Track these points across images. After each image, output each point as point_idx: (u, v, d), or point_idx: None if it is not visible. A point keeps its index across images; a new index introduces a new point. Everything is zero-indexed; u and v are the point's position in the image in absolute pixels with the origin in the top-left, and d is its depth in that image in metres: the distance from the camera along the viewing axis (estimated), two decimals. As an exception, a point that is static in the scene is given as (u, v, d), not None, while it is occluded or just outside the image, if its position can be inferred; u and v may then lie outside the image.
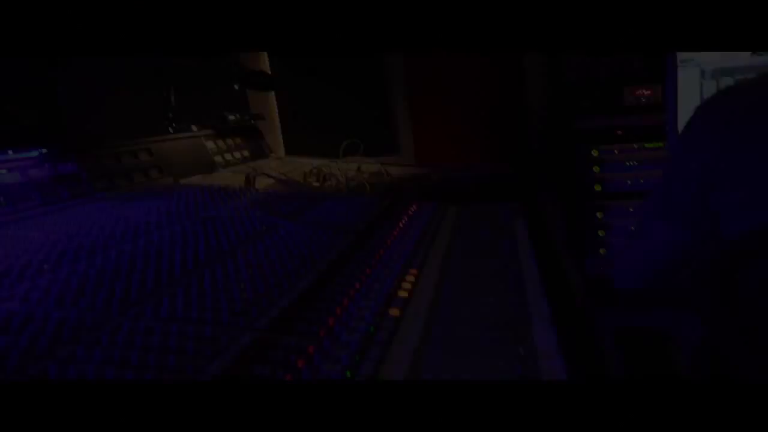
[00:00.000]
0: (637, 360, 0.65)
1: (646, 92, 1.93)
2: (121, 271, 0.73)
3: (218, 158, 1.88)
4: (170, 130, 1.86)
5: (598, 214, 2.01)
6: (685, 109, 1.54)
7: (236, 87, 2.17)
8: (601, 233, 2.02)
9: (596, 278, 2.03)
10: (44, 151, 1.14)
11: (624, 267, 0.77)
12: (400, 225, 1.08)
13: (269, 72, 2.47)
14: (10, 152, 1.06)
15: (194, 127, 1.88)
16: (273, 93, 2.56)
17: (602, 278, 2.02)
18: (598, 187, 1.99)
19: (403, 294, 0.71)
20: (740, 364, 0.57)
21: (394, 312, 0.64)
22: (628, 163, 1.97)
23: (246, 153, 2.09)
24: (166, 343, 0.53)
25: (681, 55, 1.56)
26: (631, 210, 1.98)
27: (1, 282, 0.68)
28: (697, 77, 1.44)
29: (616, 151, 1.97)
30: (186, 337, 0.55)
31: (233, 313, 0.61)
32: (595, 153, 1.99)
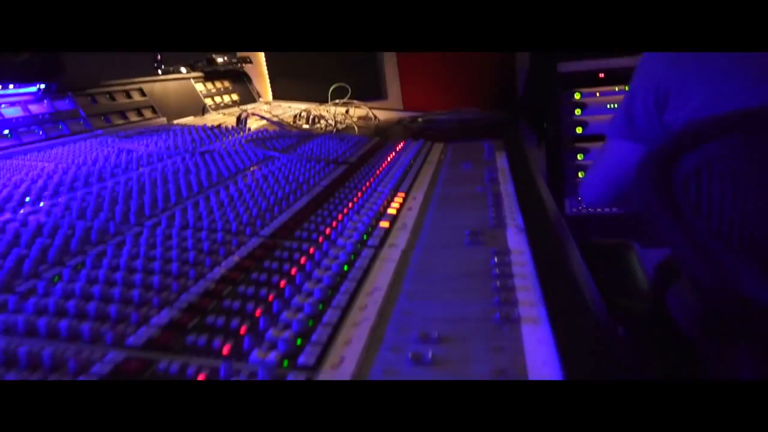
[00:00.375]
0: (600, 268, 0.73)
1: (629, 36, 1.97)
2: (131, 193, 0.79)
3: (209, 101, 1.90)
4: (159, 72, 1.87)
5: (579, 156, 2.09)
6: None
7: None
8: (581, 174, 2.10)
9: (575, 219, 2.13)
10: (42, 86, 1.17)
11: (589, 184, 0.84)
12: (389, 158, 1.15)
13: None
14: (11, 86, 1.09)
15: (183, 69, 1.90)
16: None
17: (581, 218, 2.11)
18: (579, 130, 2.06)
19: (392, 211, 0.78)
20: (688, 269, 0.66)
21: (384, 224, 0.72)
22: (609, 106, 2.04)
23: (235, 97, 2.11)
24: (183, 245, 0.60)
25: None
26: (611, 153, 2.06)
27: (23, 200, 0.74)
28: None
29: (597, 94, 2.03)
30: (200, 240, 0.62)
31: (240, 224, 0.68)
32: (577, 96, 2.05)
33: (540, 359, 0.39)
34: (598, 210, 2.05)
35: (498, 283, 0.51)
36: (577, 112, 2.05)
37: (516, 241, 0.63)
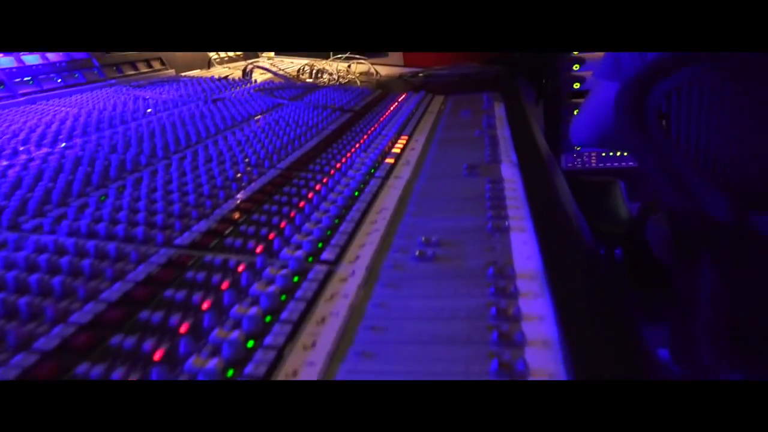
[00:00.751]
0: (586, 199, 0.80)
1: (628, -9, 1.99)
2: (154, 133, 0.85)
3: (213, 55, 1.94)
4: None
5: (576, 112, 2.13)
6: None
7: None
8: (577, 130, 2.15)
9: (570, 174, 2.19)
10: (58, 37, 1.21)
11: (578, 124, 0.91)
12: (392, 108, 1.20)
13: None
14: (30, 35, 1.13)
15: (189, 23, 1.92)
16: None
17: (576, 173, 2.18)
18: (577, 85, 2.10)
19: (396, 150, 0.84)
20: (659, 190, 0.72)
21: (390, 160, 0.78)
22: (606, 63, 2.07)
23: (238, 52, 2.14)
24: (210, 173, 0.67)
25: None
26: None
27: (56, 138, 0.80)
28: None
29: (595, 50, 2.06)
30: (225, 170, 0.69)
31: (258, 158, 0.75)
32: (575, 52, 2.07)
33: (524, 255, 0.46)
34: (593, 165, 2.11)
35: (491, 203, 0.58)
36: (576, 67, 2.08)
37: (509, 173, 0.70)
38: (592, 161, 2.08)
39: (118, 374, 0.32)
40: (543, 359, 0.32)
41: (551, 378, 0.31)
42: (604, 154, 2.07)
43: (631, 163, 2.00)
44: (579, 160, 2.10)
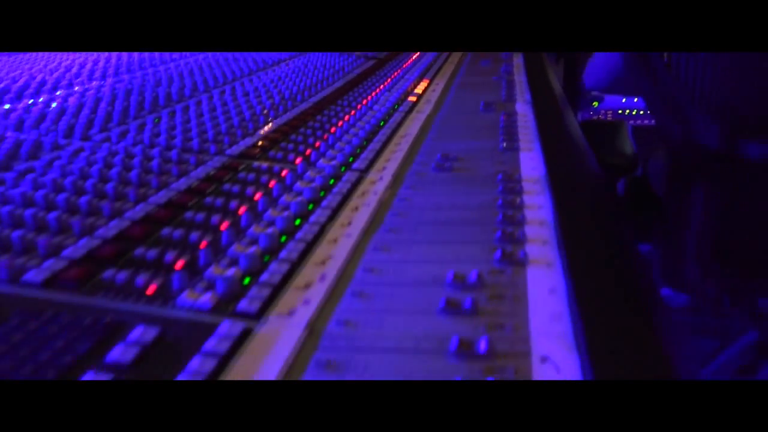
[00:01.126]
0: (593, 135, 0.84)
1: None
2: (193, 72, 0.92)
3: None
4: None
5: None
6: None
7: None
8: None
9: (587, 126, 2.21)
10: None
11: (591, 69, 0.95)
12: (414, 57, 1.25)
13: None
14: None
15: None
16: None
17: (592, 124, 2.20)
18: (596, 43, 2.11)
19: (418, 91, 0.90)
20: (660, 122, 0.77)
21: (412, 98, 0.84)
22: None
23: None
24: (250, 103, 0.74)
25: None
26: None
27: (105, 74, 0.87)
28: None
29: (617, 7, 2.05)
30: (261, 101, 0.75)
31: (291, 93, 0.81)
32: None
33: (530, 167, 0.52)
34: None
35: (504, 131, 0.65)
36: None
37: (523, 109, 0.76)
38: (608, 118, 2.10)
39: (194, 236, 0.39)
40: (540, 234, 0.39)
41: (545, 262, 0.38)
42: (620, 111, 2.09)
43: (646, 122, 2.03)
44: (596, 117, 2.13)
